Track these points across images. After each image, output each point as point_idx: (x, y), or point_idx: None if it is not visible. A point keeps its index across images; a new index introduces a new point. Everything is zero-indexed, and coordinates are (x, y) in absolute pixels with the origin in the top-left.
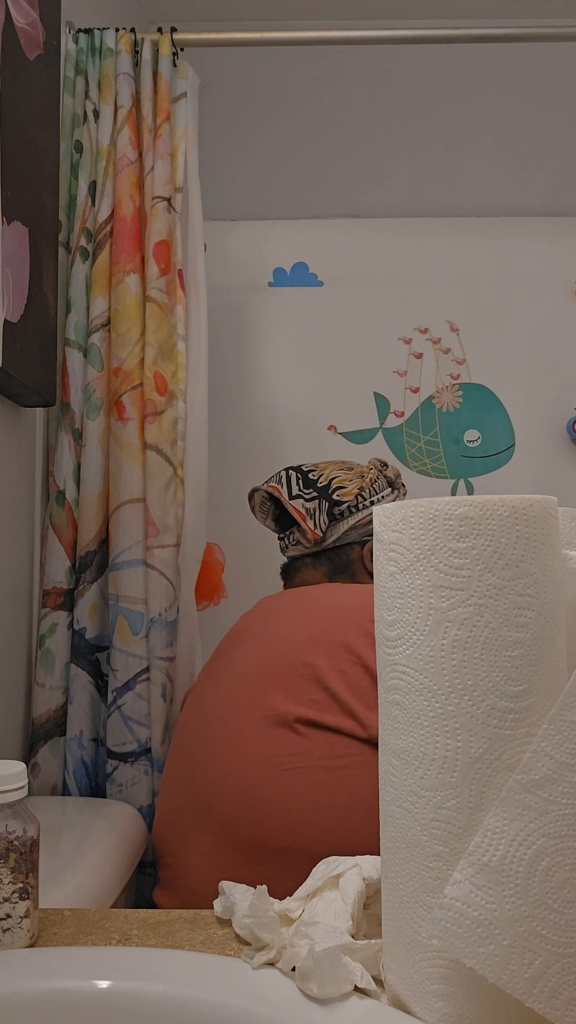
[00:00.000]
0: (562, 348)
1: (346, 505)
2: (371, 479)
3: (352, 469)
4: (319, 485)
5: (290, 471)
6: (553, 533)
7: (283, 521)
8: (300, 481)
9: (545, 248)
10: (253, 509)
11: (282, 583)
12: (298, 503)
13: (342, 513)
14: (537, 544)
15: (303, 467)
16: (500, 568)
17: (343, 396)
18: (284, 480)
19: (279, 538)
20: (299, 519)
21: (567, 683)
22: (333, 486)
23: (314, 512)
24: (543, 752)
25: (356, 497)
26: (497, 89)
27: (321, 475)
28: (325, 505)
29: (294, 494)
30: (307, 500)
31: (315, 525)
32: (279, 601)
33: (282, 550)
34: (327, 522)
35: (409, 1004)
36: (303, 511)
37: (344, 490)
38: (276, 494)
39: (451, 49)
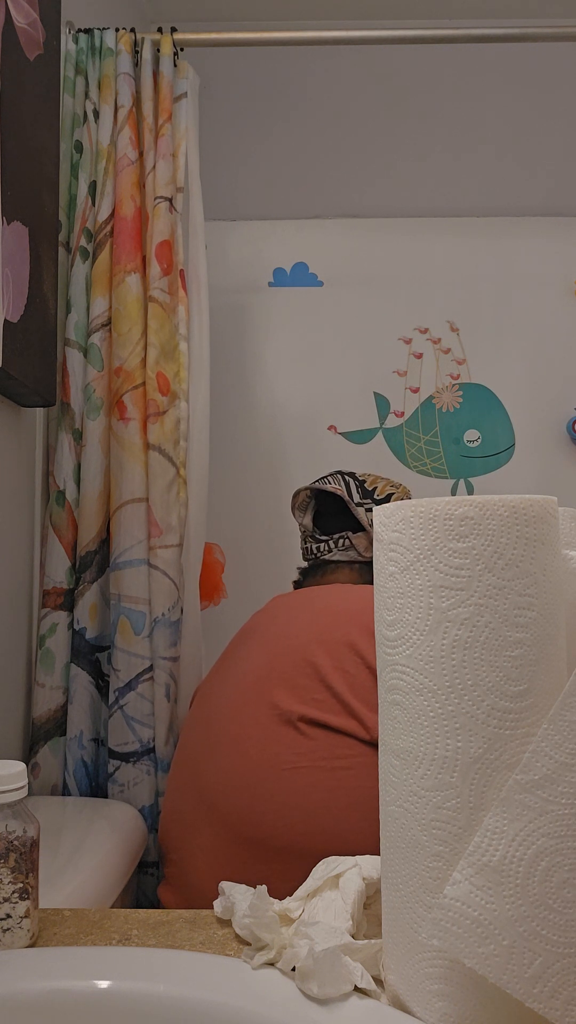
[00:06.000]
0: (562, 348)
1: None
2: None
3: (399, 487)
4: (377, 498)
5: (346, 476)
6: (553, 533)
7: (325, 524)
8: (359, 490)
9: (545, 248)
10: (294, 507)
11: (295, 582)
12: (360, 511)
13: None
14: (537, 544)
15: (356, 475)
16: (500, 568)
17: (343, 396)
18: (342, 483)
19: (319, 539)
20: (367, 527)
21: (567, 683)
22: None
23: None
24: (543, 752)
25: None
26: (497, 89)
27: (376, 487)
28: None
29: (356, 501)
30: (367, 511)
31: None
32: (287, 600)
33: (314, 551)
34: None
35: (409, 1004)
36: (367, 520)
37: None
38: (344, 497)
39: (451, 49)
